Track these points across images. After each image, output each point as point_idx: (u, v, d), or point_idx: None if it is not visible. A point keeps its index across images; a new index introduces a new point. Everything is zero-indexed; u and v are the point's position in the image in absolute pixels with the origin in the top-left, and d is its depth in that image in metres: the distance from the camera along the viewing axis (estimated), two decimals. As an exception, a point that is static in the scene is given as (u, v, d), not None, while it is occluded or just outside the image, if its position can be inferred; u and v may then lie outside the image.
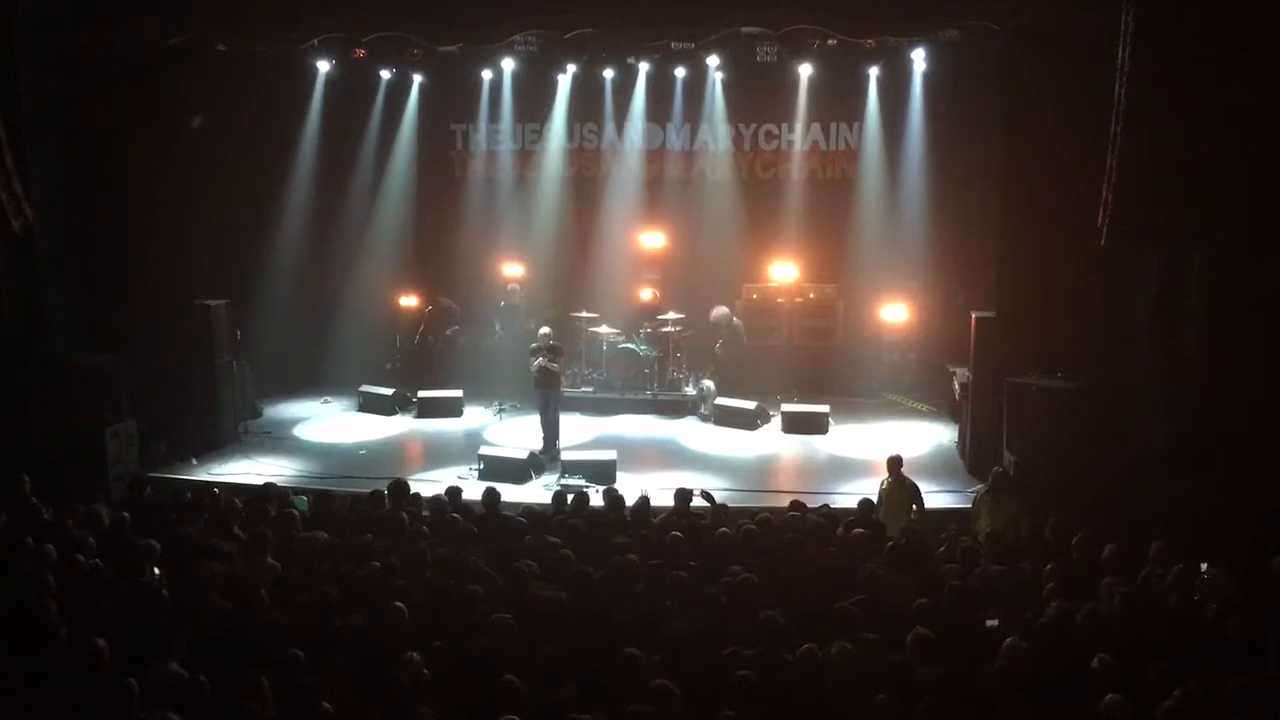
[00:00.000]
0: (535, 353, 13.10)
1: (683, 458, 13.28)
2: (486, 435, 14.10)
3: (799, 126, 15.92)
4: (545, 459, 12.64)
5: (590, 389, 15.34)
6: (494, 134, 16.58)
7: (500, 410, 15.01)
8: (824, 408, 14.34)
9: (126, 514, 9.02)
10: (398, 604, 6.83)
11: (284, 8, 11.84)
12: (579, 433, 14.00)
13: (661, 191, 16.42)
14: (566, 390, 14.24)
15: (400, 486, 9.73)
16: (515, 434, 13.97)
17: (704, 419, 14.69)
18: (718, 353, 15.36)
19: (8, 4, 10.93)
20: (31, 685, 5.97)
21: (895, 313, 15.63)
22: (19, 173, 10.69)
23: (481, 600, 6.98)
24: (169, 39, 12.12)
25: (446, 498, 9.59)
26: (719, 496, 9.95)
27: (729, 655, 6.08)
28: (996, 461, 11.01)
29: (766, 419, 14.42)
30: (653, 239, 16.12)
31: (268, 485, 10.24)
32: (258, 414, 14.72)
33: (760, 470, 12.78)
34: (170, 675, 5.92)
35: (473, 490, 10.40)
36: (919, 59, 14.46)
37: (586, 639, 6.51)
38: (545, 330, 13.29)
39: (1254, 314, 10.10)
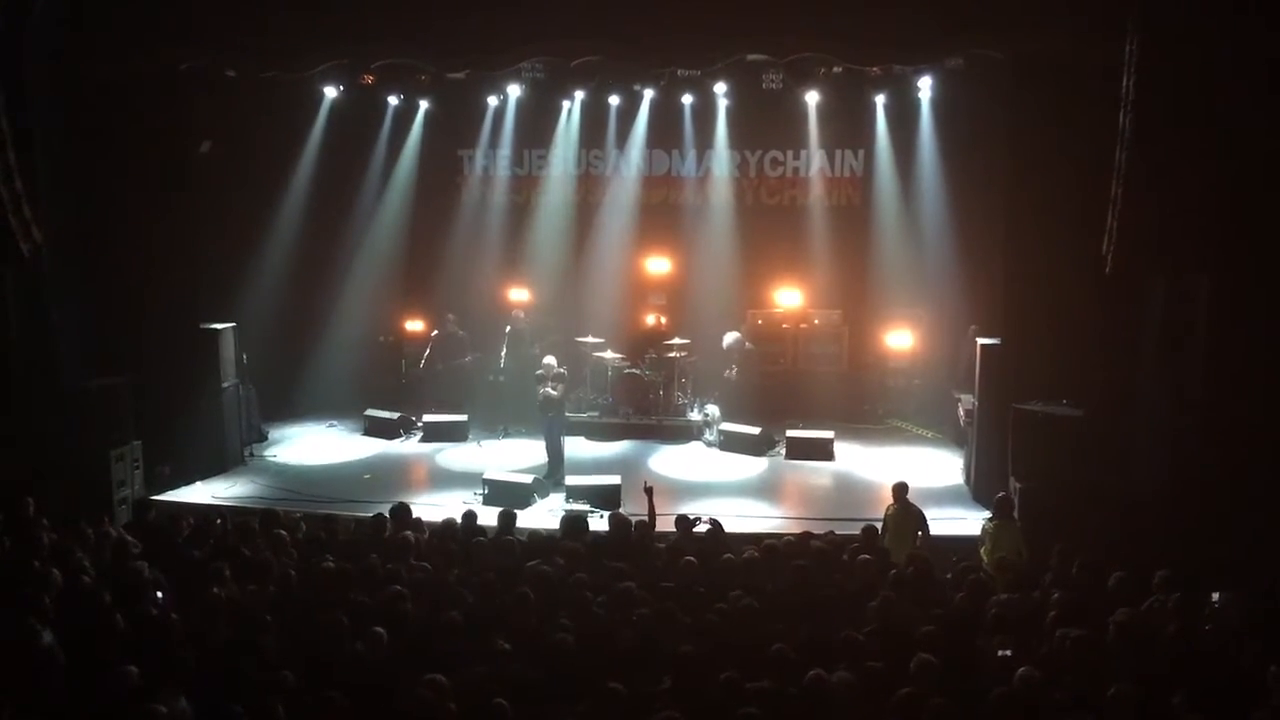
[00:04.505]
0: (540, 380, 13.10)
1: (688, 483, 13.23)
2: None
3: (805, 153, 16.02)
4: (550, 483, 12.64)
5: (595, 414, 15.35)
6: (501, 159, 16.67)
7: (504, 434, 15.02)
8: (829, 433, 14.33)
9: (131, 537, 9.01)
10: (397, 629, 6.81)
11: (295, 34, 11.88)
12: (584, 457, 13.98)
13: (667, 217, 16.51)
14: (571, 415, 14.25)
15: (402, 510, 9.74)
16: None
17: (709, 444, 14.67)
18: (730, 378, 15.36)
19: (17, 31, 11.03)
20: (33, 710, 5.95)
21: (900, 339, 15.65)
22: (28, 197, 10.76)
23: (477, 626, 6.95)
24: (178, 65, 12.20)
25: (459, 522, 9.60)
26: (723, 522, 9.88)
27: (727, 681, 6.04)
28: (1002, 488, 10.97)
29: (773, 445, 14.40)
30: (658, 264, 16.20)
31: (270, 510, 10.21)
32: (264, 437, 14.77)
33: (765, 496, 12.74)
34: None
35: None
36: (925, 87, 14.54)
37: (586, 664, 6.47)
38: (549, 360, 13.29)
39: (1259, 341, 10.10)
